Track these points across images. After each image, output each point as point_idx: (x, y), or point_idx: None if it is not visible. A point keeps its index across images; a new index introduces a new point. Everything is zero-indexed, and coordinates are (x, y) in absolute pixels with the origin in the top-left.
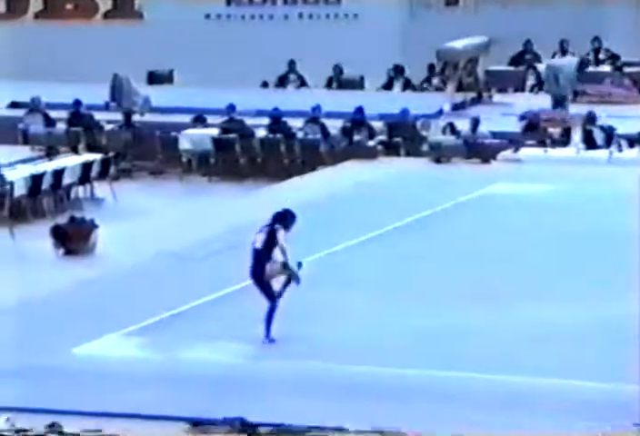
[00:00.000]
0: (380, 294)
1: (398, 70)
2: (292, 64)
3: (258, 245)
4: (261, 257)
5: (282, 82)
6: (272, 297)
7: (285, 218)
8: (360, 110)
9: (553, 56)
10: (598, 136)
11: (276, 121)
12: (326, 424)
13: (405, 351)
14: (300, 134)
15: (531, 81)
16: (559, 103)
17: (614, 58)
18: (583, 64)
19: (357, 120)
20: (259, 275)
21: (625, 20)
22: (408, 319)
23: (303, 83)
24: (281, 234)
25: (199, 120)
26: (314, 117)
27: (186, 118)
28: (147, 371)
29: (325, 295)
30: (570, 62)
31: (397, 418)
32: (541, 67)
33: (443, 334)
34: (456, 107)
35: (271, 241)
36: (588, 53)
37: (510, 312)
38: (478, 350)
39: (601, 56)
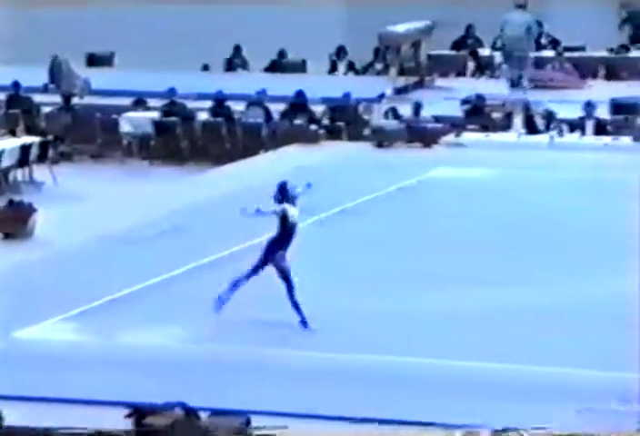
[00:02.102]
0: (325, 278)
1: (341, 53)
2: (237, 48)
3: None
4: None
5: (227, 65)
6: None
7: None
8: (302, 94)
9: (494, 42)
10: (539, 121)
11: (219, 104)
12: (266, 408)
13: (356, 334)
14: (242, 118)
15: (472, 65)
16: (511, 84)
17: (555, 43)
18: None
19: (299, 104)
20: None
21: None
22: (356, 303)
23: (247, 67)
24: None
25: (140, 103)
26: (256, 101)
27: (127, 101)
28: (88, 355)
29: (271, 279)
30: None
31: (339, 403)
32: (483, 52)
33: (394, 318)
34: (399, 91)
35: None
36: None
37: (456, 296)
38: (429, 334)
39: (542, 41)
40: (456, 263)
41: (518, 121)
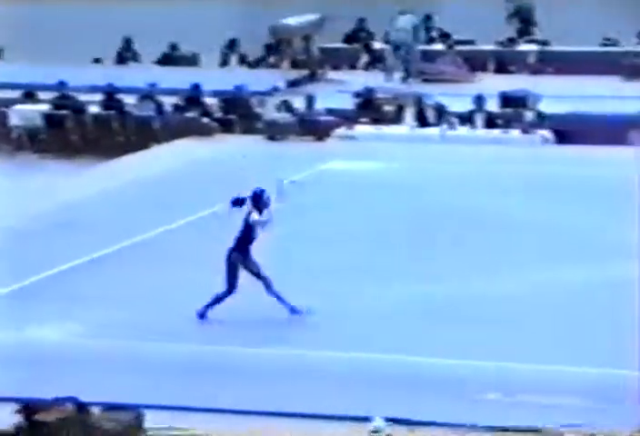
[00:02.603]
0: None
1: (233, 46)
2: (127, 41)
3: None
4: (238, 244)
5: (118, 59)
6: (231, 286)
7: (255, 199)
8: (195, 87)
9: (386, 36)
10: (430, 114)
11: (110, 97)
12: (159, 403)
13: (265, 327)
14: (134, 111)
15: (365, 58)
16: (403, 77)
17: (445, 37)
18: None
19: (192, 97)
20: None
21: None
22: (256, 296)
23: (138, 60)
24: (254, 217)
25: (29, 96)
26: (148, 94)
27: (16, 94)
28: None
29: (167, 273)
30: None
31: (237, 397)
32: (375, 45)
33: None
34: (291, 84)
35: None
36: (429, 30)
37: (357, 291)
38: (333, 329)
39: (433, 35)
40: (349, 257)
41: (410, 114)
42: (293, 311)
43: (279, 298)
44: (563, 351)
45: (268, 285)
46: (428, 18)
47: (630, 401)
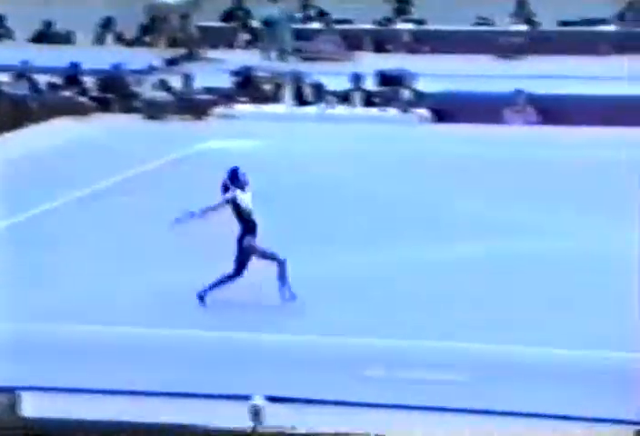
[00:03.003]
0: (100, 253)
1: (109, 24)
2: (0, 18)
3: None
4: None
5: None
6: (238, 271)
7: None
8: (74, 65)
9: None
10: (309, 93)
11: None
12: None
13: (140, 310)
14: (8, 90)
15: (243, 37)
16: (279, 56)
17: (323, 15)
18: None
19: (68, 75)
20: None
21: None
22: (135, 278)
23: (12, 37)
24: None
25: None
26: (22, 72)
27: None
28: None
29: (44, 256)
30: (281, 14)
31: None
32: (253, 23)
33: (177, 292)
34: (169, 63)
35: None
36: (297, 10)
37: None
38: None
39: (311, 13)
40: (223, 237)
41: (288, 93)
42: (201, 295)
43: (216, 285)
44: (438, 326)
45: (283, 268)
46: None
47: (505, 374)
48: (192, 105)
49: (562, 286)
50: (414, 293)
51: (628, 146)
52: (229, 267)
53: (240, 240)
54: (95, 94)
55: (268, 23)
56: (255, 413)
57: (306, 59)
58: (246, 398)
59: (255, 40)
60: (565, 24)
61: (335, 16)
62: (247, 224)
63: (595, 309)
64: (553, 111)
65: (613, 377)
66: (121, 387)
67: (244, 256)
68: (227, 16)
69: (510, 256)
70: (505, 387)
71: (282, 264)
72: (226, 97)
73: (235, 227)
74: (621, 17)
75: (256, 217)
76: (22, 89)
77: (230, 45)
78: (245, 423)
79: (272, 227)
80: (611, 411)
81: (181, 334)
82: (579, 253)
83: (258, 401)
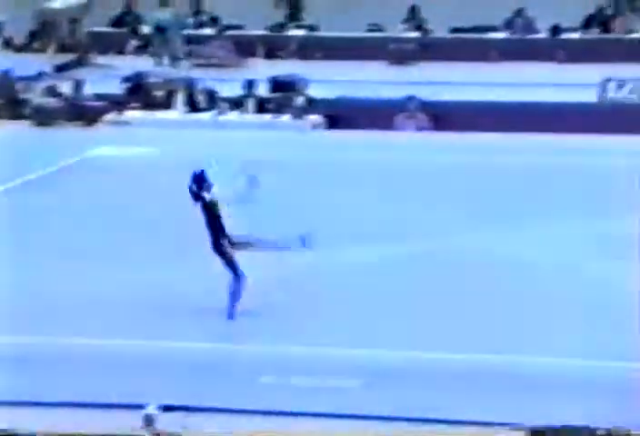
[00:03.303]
0: None
1: None
2: None
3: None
4: (214, 232)
5: None
6: (238, 274)
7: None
8: None
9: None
10: (201, 99)
11: None
12: None
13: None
14: None
15: (133, 43)
16: (171, 62)
17: (214, 21)
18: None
19: None
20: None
21: None
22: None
23: None
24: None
25: None
26: None
27: None
28: None
29: None
30: (172, 19)
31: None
32: (144, 29)
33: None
34: (58, 69)
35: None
36: (189, 15)
37: (108, 276)
38: (131, 314)
39: (203, 19)
40: (112, 243)
41: (181, 99)
42: (230, 316)
43: (233, 300)
44: (332, 333)
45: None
46: (197, 2)
47: (399, 381)
48: (82, 112)
49: (460, 289)
50: (313, 299)
51: (519, 152)
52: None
53: (216, 246)
54: None
55: (159, 28)
56: (149, 422)
57: (200, 65)
58: (140, 407)
59: (145, 46)
60: (455, 30)
61: (226, 22)
62: (218, 229)
63: (492, 314)
64: (444, 117)
65: (500, 380)
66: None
67: (228, 259)
68: (117, 22)
69: (409, 260)
70: (401, 393)
71: (239, 280)
72: (117, 104)
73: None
74: (509, 25)
75: (143, 224)
76: None
77: (121, 51)
78: (140, 432)
79: (166, 234)
80: (501, 414)
81: (72, 342)
82: (469, 255)
83: (151, 410)
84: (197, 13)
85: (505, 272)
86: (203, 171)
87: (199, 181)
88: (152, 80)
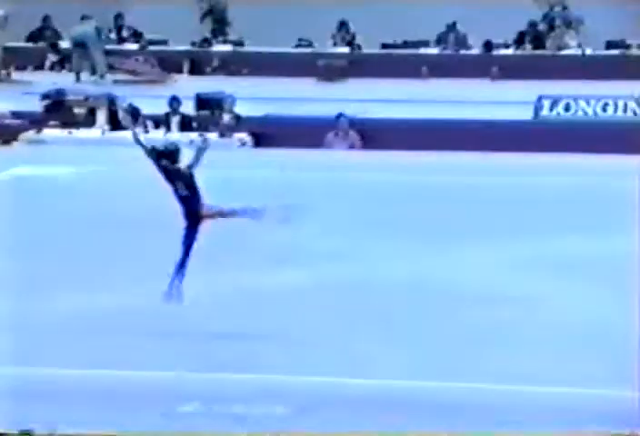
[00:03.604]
0: None
1: None
2: None
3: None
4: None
5: None
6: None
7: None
8: None
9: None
10: (124, 117)
11: None
12: None
13: None
14: None
15: (52, 58)
16: (92, 78)
17: (137, 36)
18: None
19: None
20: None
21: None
22: None
23: None
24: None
25: None
26: None
27: None
28: None
29: None
30: (92, 33)
31: None
32: (62, 45)
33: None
34: None
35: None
36: (111, 30)
37: (50, 302)
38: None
39: (124, 34)
40: (29, 266)
41: (102, 116)
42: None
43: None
44: (256, 359)
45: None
46: (119, 16)
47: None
48: None
49: (386, 315)
50: (231, 324)
51: (451, 171)
52: None
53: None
54: None
55: (79, 43)
56: None
57: (121, 81)
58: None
59: (64, 61)
60: (386, 46)
61: (149, 37)
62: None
63: (420, 340)
64: (375, 135)
65: (431, 405)
66: None
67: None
68: (34, 36)
69: (334, 284)
70: (326, 418)
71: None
72: (35, 121)
73: None
74: (441, 40)
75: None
76: None
77: (38, 67)
78: None
79: (85, 257)
80: None
81: None
82: (397, 279)
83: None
84: (119, 27)
85: (434, 297)
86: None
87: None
88: (72, 97)
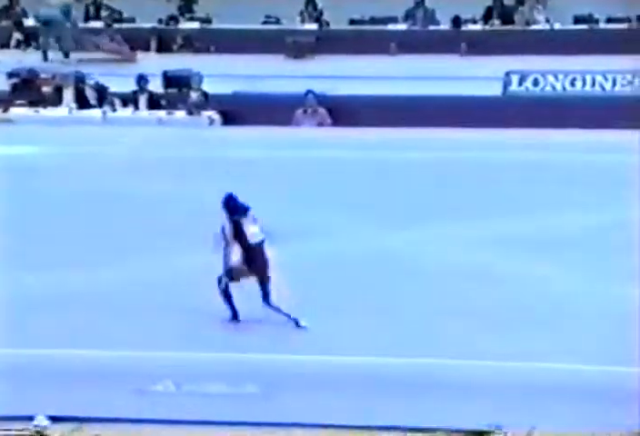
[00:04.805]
0: None
1: None
2: None
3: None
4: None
5: None
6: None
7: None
8: None
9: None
10: (91, 95)
11: None
12: None
13: None
14: None
15: (17, 36)
16: (60, 56)
17: (115, 14)
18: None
19: None
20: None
21: None
22: None
23: None
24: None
25: None
26: None
27: None
28: None
29: None
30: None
31: None
32: (28, 22)
33: None
34: None
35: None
36: (88, 6)
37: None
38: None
39: (90, 11)
40: (14, 247)
41: (69, 95)
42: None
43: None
44: (225, 339)
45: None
46: None
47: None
48: None
49: (365, 291)
50: (205, 302)
51: (421, 147)
52: None
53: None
54: None
55: (46, 22)
56: (40, 433)
57: (88, 60)
58: (30, 418)
59: (29, 39)
60: (354, 22)
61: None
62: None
63: (397, 316)
64: (343, 112)
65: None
66: None
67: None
68: (1, 14)
69: (304, 261)
70: (296, 398)
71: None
72: (2, 101)
73: None
74: (409, 16)
75: (35, 224)
76: None
77: (3, 45)
78: None
79: (53, 237)
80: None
81: None
82: (371, 256)
83: (41, 421)
84: (97, 6)
85: (408, 273)
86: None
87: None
88: (39, 75)
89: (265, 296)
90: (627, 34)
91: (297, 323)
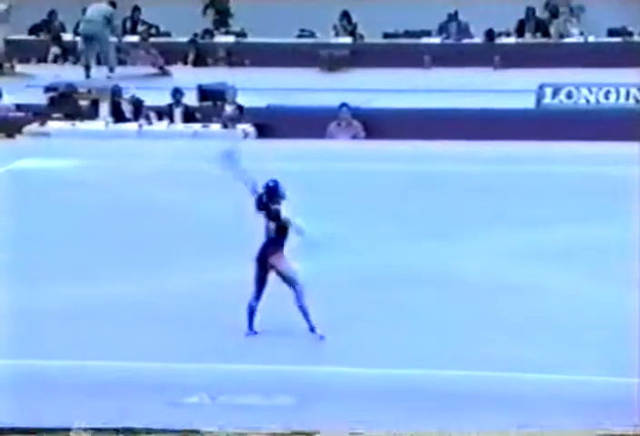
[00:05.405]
0: None
1: None
2: None
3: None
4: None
5: None
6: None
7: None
8: None
9: (76, 28)
10: (127, 109)
11: None
12: None
13: None
14: None
15: (55, 51)
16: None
17: (152, 29)
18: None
19: None
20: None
21: None
22: None
23: None
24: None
25: None
26: None
27: None
28: None
29: None
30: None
31: None
32: (65, 37)
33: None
34: None
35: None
36: (125, 21)
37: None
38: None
39: (139, 28)
40: (38, 258)
41: (105, 109)
42: (311, 329)
43: (303, 311)
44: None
45: (299, 295)
46: (136, 9)
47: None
48: (3, 123)
49: (390, 304)
50: (233, 315)
51: (456, 160)
52: None
53: (264, 250)
54: None
55: (88, 36)
56: None
57: (124, 73)
58: (67, 430)
59: (67, 54)
60: (388, 36)
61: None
62: (281, 237)
63: (421, 329)
64: (378, 125)
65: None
66: None
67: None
68: (37, 29)
69: (338, 273)
70: (329, 409)
71: (298, 292)
72: (39, 114)
73: None
74: (443, 29)
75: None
76: None
77: (41, 60)
78: None
79: (89, 249)
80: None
81: None
82: (399, 269)
83: (79, 433)
84: (134, 21)
85: (436, 286)
86: (276, 182)
87: (271, 192)
88: (75, 89)
89: (299, 295)
90: None
91: (313, 330)
